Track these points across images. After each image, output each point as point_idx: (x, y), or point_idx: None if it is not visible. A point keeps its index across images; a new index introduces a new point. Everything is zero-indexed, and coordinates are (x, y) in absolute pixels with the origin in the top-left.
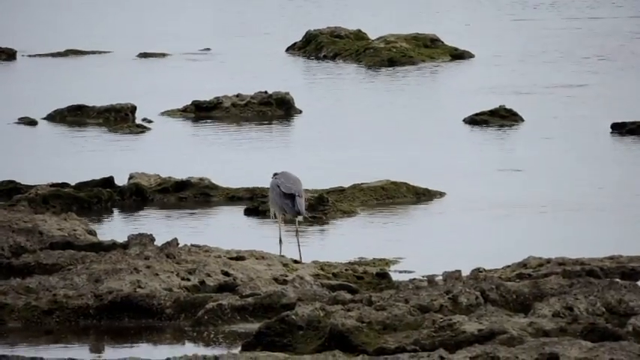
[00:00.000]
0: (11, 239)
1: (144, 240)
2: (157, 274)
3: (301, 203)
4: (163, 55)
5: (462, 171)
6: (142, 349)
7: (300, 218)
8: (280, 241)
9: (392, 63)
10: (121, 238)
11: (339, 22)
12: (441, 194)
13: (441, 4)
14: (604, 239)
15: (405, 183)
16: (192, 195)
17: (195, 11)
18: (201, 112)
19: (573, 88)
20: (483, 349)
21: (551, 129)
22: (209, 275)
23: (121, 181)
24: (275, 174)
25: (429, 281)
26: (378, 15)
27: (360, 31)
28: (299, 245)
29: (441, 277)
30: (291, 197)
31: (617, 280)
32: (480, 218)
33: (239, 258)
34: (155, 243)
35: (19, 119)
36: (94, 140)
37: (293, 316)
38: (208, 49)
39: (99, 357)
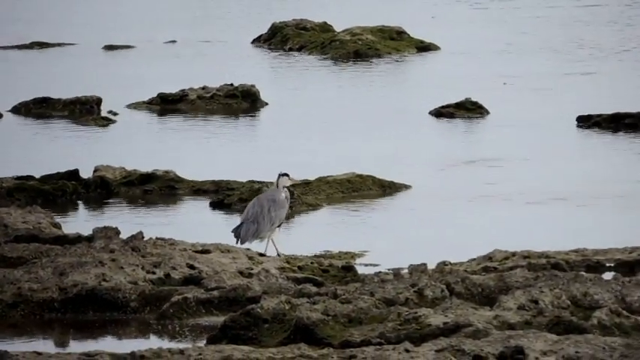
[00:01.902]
0: None
1: (109, 233)
2: (122, 268)
3: (247, 230)
4: (129, 47)
5: (427, 164)
6: (107, 342)
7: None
8: (278, 254)
9: (358, 55)
10: (86, 231)
11: (305, 15)
12: (407, 187)
13: None
14: (569, 232)
15: (371, 176)
16: (157, 188)
17: (161, 3)
18: (166, 104)
19: (540, 80)
20: (449, 342)
21: (517, 121)
22: (174, 268)
23: (86, 173)
24: (280, 175)
25: (394, 274)
26: (343, 7)
27: (325, 23)
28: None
29: (406, 271)
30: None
31: (582, 273)
32: (446, 211)
33: (204, 251)
34: (120, 236)
35: None
36: (60, 133)
37: (258, 310)
38: (174, 41)
39: (63, 350)
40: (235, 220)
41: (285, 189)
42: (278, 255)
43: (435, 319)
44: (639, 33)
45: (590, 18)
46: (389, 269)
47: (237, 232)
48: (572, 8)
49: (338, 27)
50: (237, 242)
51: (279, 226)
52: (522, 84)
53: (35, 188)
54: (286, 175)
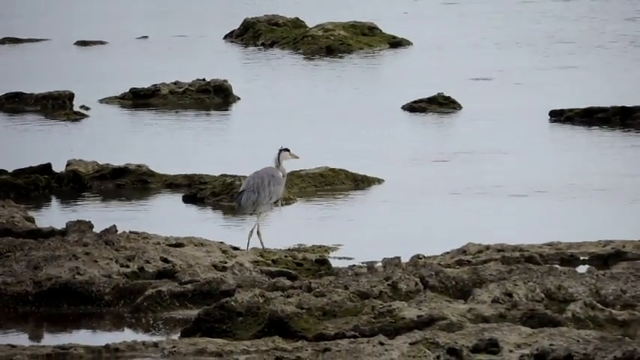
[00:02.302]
0: None
1: (82, 227)
2: (96, 261)
3: (248, 198)
4: (101, 42)
5: (400, 158)
6: (82, 335)
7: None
8: (258, 232)
9: (330, 51)
10: (60, 225)
11: (277, 10)
12: (380, 181)
13: None
14: (543, 225)
15: (344, 170)
16: (130, 182)
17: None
18: (138, 99)
19: (512, 75)
20: (423, 335)
21: (489, 116)
22: (148, 262)
23: (58, 168)
24: (281, 150)
25: (368, 268)
26: (315, 3)
27: (298, 19)
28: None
29: (380, 264)
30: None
31: (557, 266)
32: (419, 205)
33: (178, 245)
34: (93, 230)
35: None
36: (32, 127)
37: (232, 303)
38: (146, 36)
39: (38, 343)
40: (208, 213)
41: (283, 166)
42: (263, 248)
43: (409, 312)
44: (614, 27)
45: (566, 12)
46: (363, 262)
47: (238, 199)
48: (547, 2)
49: (310, 23)
50: (236, 208)
51: (275, 202)
52: (495, 78)
53: (8, 182)
54: (287, 150)
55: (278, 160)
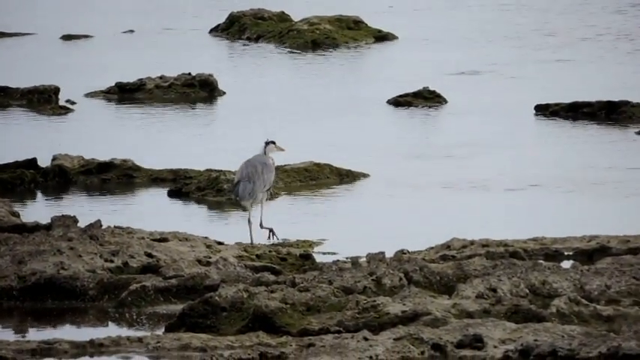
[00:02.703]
0: None
1: (67, 221)
2: (81, 256)
3: (244, 188)
4: (87, 36)
5: (385, 152)
6: (66, 330)
7: (245, 203)
8: (261, 224)
9: (315, 45)
10: (45, 220)
11: (263, 4)
12: (365, 175)
13: None
14: (528, 220)
15: (329, 164)
16: (115, 176)
17: None
18: (124, 93)
19: (498, 69)
20: (407, 331)
21: (475, 110)
22: (132, 257)
23: (44, 162)
24: (267, 142)
25: (352, 263)
26: None
27: (283, 13)
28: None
29: (364, 259)
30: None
31: (541, 261)
32: (403, 200)
33: (162, 239)
34: (78, 224)
35: None
36: (18, 122)
37: (216, 298)
38: (132, 30)
39: (22, 338)
40: (193, 208)
41: (272, 156)
42: (272, 234)
43: (394, 307)
44: (602, 20)
45: (553, 5)
46: (347, 258)
47: (235, 191)
48: None
49: (296, 16)
50: (235, 199)
51: (268, 190)
52: (481, 72)
53: None
54: (273, 142)
55: (264, 153)
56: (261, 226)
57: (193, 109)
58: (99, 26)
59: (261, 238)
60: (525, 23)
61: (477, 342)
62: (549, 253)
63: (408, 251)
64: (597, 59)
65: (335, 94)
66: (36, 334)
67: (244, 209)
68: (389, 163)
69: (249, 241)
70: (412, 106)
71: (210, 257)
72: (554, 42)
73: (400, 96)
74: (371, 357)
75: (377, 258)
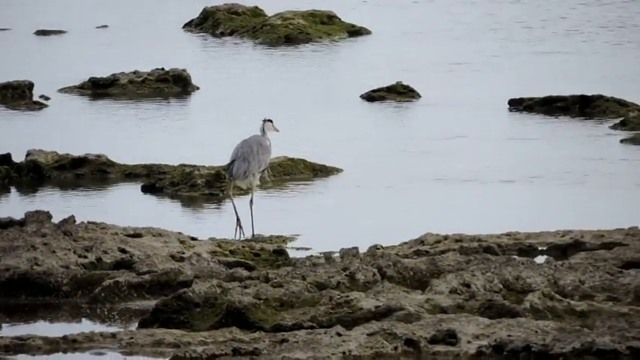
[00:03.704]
0: None
1: (41, 217)
2: (54, 252)
3: (239, 167)
4: (61, 32)
5: (359, 147)
6: (40, 326)
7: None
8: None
9: (289, 40)
10: (18, 216)
11: None
12: (338, 170)
13: None
14: (501, 215)
15: (303, 159)
16: (89, 172)
17: None
18: (98, 89)
19: (473, 62)
20: (380, 326)
21: (448, 105)
22: (106, 252)
23: (18, 158)
24: (265, 120)
25: (326, 258)
26: None
27: (257, 7)
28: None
29: (338, 254)
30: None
31: (515, 256)
32: (377, 195)
33: (136, 235)
34: (52, 220)
35: None
36: None
37: (190, 293)
38: (105, 25)
39: None
40: (167, 204)
41: (268, 136)
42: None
43: (367, 302)
44: (573, 14)
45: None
46: (320, 253)
47: (230, 170)
48: None
49: (269, 11)
50: (229, 177)
51: (264, 170)
52: (455, 66)
53: None
54: (270, 121)
55: (263, 130)
56: (251, 202)
57: (167, 104)
58: (73, 21)
59: (234, 234)
60: (501, 16)
61: (450, 337)
62: (523, 248)
63: (382, 246)
64: (576, 52)
65: (308, 89)
66: (9, 330)
67: (243, 190)
68: (362, 158)
69: (251, 224)
70: (386, 100)
71: (183, 253)
72: (531, 35)
73: (374, 91)
74: (344, 352)
75: (350, 253)
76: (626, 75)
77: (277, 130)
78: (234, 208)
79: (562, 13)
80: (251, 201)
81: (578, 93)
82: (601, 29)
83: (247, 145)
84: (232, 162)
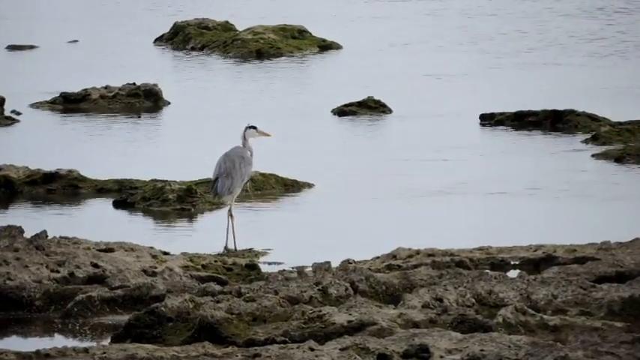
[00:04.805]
0: None
1: (13, 232)
2: (27, 266)
3: (223, 185)
4: (32, 47)
5: (330, 162)
6: (12, 341)
7: (225, 199)
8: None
9: (260, 54)
10: None
11: (207, 14)
12: (310, 185)
13: None
14: (474, 230)
15: (274, 174)
16: (61, 187)
17: (63, 3)
18: (69, 104)
19: (444, 77)
20: (353, 341)
21: (419, 119)
22: (78, 267)
23: None
24: (247, 127)
25: (298, 272)
26: (245, 6)
27: (227, 22)
28: (233, 231)
29: (310, 269)
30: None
31: (487, 271)
32: (349, 209)
33: (108, 250)
34: (24, 235)
35: None
36: None
37: (162, 308)
38: (76, 40)
39: None
40: (139, 218)
41: (249, 145)
42: (234, 248)
43: (340, 317)
44: (551, 27)
45: (501, 10)
46: (293, 267)
47: (214, 187)
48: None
49: (240, 26)
50: (214, 197)
51: (247, 182)
52: (426, 81)
53: None
54: (254, 127)
55: (244, 138)
56: (229, 213)
57: (138, 119)
58: (44, 36)
59: (206, 248)
60: (474, 30)
61: (423, 352)
62: (495, 262)
63: (354, 261)
64: (551, 65)
65: (279, 104)
66: None
67: (222, 203)
68: (334, 172)
69: (232, 235)
70: (357, 115)
71: (155, 267)
72: (501, 48)
73: (345, 105)
74: None
75: (323, 268)
76: (597, 89)
77: (268, 135)
78: (233, 229)
79: (536, 27)
80: (229, 212)
81: (550, 107)
82: (576, 43)
83: (229, 159)
84: (216, 179)
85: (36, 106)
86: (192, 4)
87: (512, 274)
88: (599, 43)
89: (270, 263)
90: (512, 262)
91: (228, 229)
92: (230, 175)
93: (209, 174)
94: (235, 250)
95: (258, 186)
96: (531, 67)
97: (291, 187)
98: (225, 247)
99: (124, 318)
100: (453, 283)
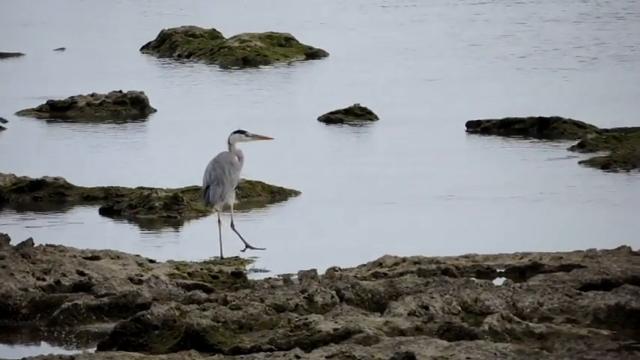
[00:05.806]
0: None
1: None
2: (13, 274)
3: (214, 193)
4: (18, 54)
5: (317, 169)
6: None
7: (217, 207)
8: (219, 221)
9: (246, 62)
10: None
11: (194, 21)
12: (296, 193)
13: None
14: (460, 237)
15: (260, 182)
16: (47, 195)
17: (49, 10)
18: (56, 111)
19: (430, 84)
20: (339, 349)
21: (406, 127)
22: (64, 275)
23: None
24: (236, 132)
25: (284, 280)
26: (232, 13)
27: (214, 30)
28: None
29: (296, 277)
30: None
31: (473, 278)
32: (336, 217)
33: (94, 258)
34: (10, 243)
35: None
36: None
37: (148, 316)
38: (63, 48)
39: None
40: (125, 226)
41: (239, 148)
42: (247, 247)
43: (326, 325)
44: (540, 34)
45: (491, 15)
46: (279, 275)
47: (205, 195)
48: (470, 5)
49: (227, 33)
50: (206, 206)
51: (236, 188)
52: (413, 89)
53: None
54: (242, 132)
55: (229, 142)
56: (232, 226)
57: (125, 126)
58: (30, 44)
59: (192, 256)
60: (460, 36)
61: None
62: (481, 270)
63: (340, 269)
64: (538, 72)
65: (266, 112)
66: None
67: (213, 210)
68: (320, 180)
69: (219, 242)
70: (343, 122)
71: (142, 275)
72: (488, 54)
73: (331, 113)
74: None
75: (309, 275)
76: (584, 96)
77: (262, 138)
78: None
79: (523, 34)
80: (232, 224)
81: (537, 115)
82: (562, 50)
83: (219, 166)
84: (207, 188)
85: (22, 113)
86: (180, 12)
87: (498, 281)
88: (586, 50)
89: (256, 271)
90: (498, 270)
91: (220, 238)
92: (221, 182)
93: (196, 181)
94: (221, 257)
95: (244, 193)
96: (519, 73)
97: (278, 194)
98: (221, 257)
99: (110, 326)
100: (439, 290)
